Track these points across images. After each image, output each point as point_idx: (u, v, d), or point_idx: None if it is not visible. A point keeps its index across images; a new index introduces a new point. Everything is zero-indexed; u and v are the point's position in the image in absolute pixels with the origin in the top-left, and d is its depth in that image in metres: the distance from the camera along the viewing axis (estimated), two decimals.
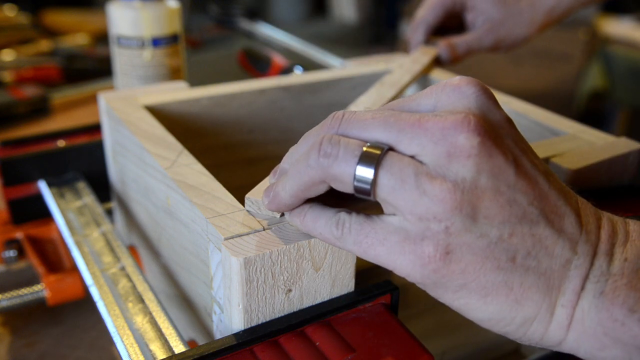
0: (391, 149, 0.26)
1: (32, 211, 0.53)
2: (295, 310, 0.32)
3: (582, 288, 0.25)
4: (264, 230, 0.31)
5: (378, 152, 0.26)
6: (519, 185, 0.25)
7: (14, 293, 0.47)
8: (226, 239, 0.30)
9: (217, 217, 0.32)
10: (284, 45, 1.08)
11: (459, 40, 0.62)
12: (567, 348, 0.26)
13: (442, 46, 0.62)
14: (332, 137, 0.27)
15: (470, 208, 0.24)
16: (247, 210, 0.32)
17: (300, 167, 0.28)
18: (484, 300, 0.25)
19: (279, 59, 0.82)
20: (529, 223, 0.25)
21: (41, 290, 0.47)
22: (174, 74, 0.64)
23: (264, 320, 0.31)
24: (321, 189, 0.28)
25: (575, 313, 0.25)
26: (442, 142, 0.25)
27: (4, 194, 0.52)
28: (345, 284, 0.33)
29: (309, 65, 0.81)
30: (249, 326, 0.31)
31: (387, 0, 3.16)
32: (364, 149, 0.26)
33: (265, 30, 1.19)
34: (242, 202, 0.33)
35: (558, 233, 0.25)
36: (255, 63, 0.85)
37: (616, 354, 0.25)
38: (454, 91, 0.27)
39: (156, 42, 0.61)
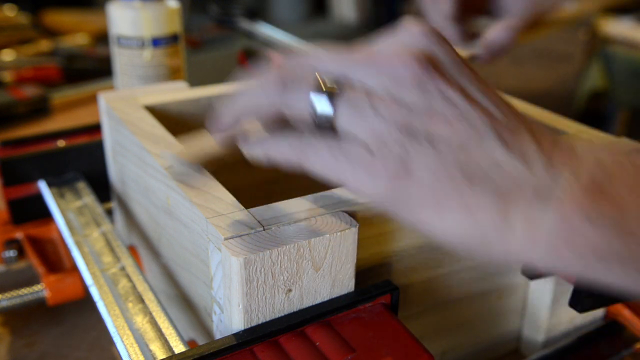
0: (348, 82, 0.29)
1: (32, 211, 0.53)
2: (295, 310, 0.32)
3: (539, 201, 0.26)
4: (264, 230, 0.31)
5: (334, 85, 0.28)
6: (469, 109, 0.27)
7: (14, 293, 0.47)
8: (226, 239, 0.30)
9: (217, 217, 0.32)
10: (284, 45, 1.08)
11: (498, 33, 0.53)
12: (535, 261, 0.27)
13: (480, 49, 0.54)
14: (293, 70, 0.29)
15: (424, 129, 0.27)
16: (166, 168, 0.33)
17: (255, 91, 0.30)
18: (440, 216, 0.27)
19: (279, 59, 0.82)
20: (481, 142, 0.27)
21: (41, 290, 0.47)
22: (174, 74, 0.64)
23: (264, 320, 0.31)
24: (269, 115, 0.30)
25: (533, 225, 0.26)
26: (392, 72, 0.28)
27: (4, 194, 0.52)
28: (345, 284, 0.33)
29: None
30: (249, 326, 0.31)
31: (387, 0, 3.16)
32: (319, 83, 0.28)
33: (265, 30, 1.19)
34: (242, 202, 0.34)
35: (511, 150, 0.27)
36: (255, 63, 0.85)
37: (575, 264, 0.26)
38: (404, 32, 0.29)
39: (156, 42, 0.61)
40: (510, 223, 0.26)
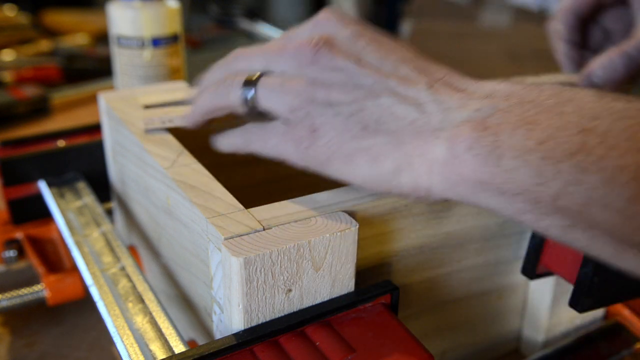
0: (268, 71, 0.35)
1: (32, 211, 0.53)
2: (295, 310, 0.32)
3: (433, 137, 0.29)
4: (264, 230, 0.31)
5: (255, 76, 0.34)
6: (360, 73, 0.31)
7: (14, 293, 0.47)
8: (226, 239, 0.30)
9: (217, 217, 0.32)
10: None
11: (612, 57, 0.44)
12: (436, 194, 0.30)
13: (580, 77, 0.46)
14: (228, 75, 0.36)
15: (325, 97, 0.32)
16: (146, 130, 0.37)
17: (207, 95, 0.37)
18: (351, 166, 0.31)
19: None
20: (374, 98, 0.31)
21: (41, 290, 0.47)
22: (174, 74, 0.64)
23: (264, 320, 0.31)
24: (224, 112, 0.37)
25: (428, 160, 0.29)
26: (297, 57, 0.33)
27: (4, 194, 0.52)
28: (345, 284, 0.33)
29: None
30: (249, 326, 0.31)
31: (387, 0, 3.16)
32: (246, 78, 0.35)
33: (265, 30, 1.19)
34: (242, 202, 0.34)
35: (404, 99, 0.30)
36: None
37: (464, 191, 0.28)
38: (314, 21, 0.35)
39: (156, 42, 0.61)
40: (409, 161, 0.30)
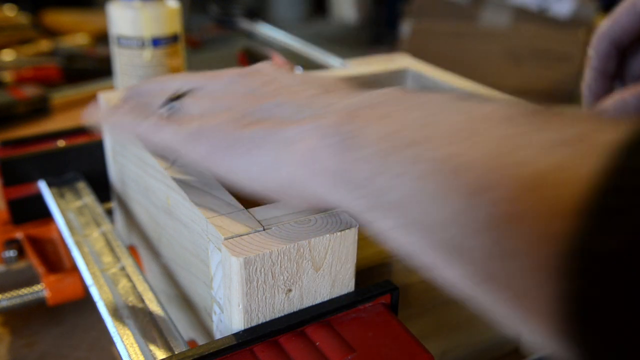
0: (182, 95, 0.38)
1: (32, 211, 0.53)
2: (295, 310, 0.32)
3: (304, 131, 0.29)
4: (264, 230, 0.31)
5: (180, 93, 0.38)
6: (264, 87, 0.35)
7: (14, 293, 0.47)
8: (226, 239, 0.30)
9: (217, 217, 0.32)
10: (284, 45, 1.08)
11: (625, 98, 0.40)
12: (309, 189, 0.29)
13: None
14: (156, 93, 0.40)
15: (229, 102, 0.35)
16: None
17: (129, 115, 0.39)
18: (227, 158, 0.32)
19: (279, 59, 0.82)
20: (266, 101, 0.33)
21: (41, 290, 0.47)
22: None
23: (264, 320, 0.31)
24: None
25: (297, 151, 0.29)
26: (223, 79, 0.38)
27: (4, 194, 0.52)
28: (345, 284, 0.33)
29: (309, 65, 0.81)
30: (249, 326, 0.31)
31: (387, 0, 3.16)
32: (171, 95, 0.38)
33: (265, 30, 1.19)
34: (242, 202, 0.34)
35: (290, 102, 0.32)
36: (255, 63, 0.85)
37: (319, 181, 0.28)
38: (249, 67, 0.39)
39: (156, 42, 0.61)
40: (278, 155, 0.30)
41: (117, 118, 0.39)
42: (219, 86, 0.37)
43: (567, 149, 0.20)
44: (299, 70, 0.76)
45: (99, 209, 0.47)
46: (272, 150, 0.30)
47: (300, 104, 0.32)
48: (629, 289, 0.17)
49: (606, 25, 0.43)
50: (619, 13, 0.41)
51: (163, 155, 0.38)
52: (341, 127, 0.28)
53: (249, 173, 0.31)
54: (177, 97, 0.38)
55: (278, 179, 0.30)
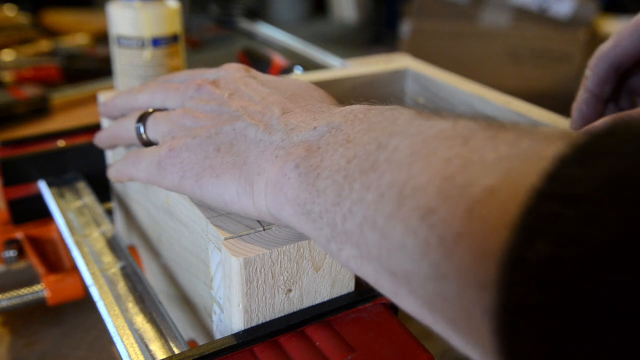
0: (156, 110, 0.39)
1: (32, 211, 0.53)
2: (295, 310, 0.32)
3: (275, 158, 0.30)
4: (264, 230, 0.31)
5: (148, 112, 0.39)
6: (229, 102, 0.34)
7: (14, 293, 0.47)
8: (226, 239, 0.30)
9: (217, 217, 0.32)
10: (284, 45, 1.08)
11: (607, 122, 0.38)
12: (273, 215, 0.30)
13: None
14: (122, 110, 0.42)
15: (191, 121, 0.35)
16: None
17: (113, 127, 0.42)
18: (198, 184, 0.32)
19: (279, 59, 0.82)
20: (232, 122, 0.33)
21: (41, 290, 0.47)
22: None
23: (264, 320, 0.31)
24: (126, 142, 0.41)
25: (267, 179, 0.29)
26: (184, 94, 0.37)
27: (4, 194, 0.52)
28: (345, 284, 0.33)
29: (309, 65, 0.81)
30: (249, 326, 0.31)
31: (387, 0, 3.16)
32: (140, 114, 0.39)
33: (265, 30, 1.19)
34: None
35: (256, 123, 0.32)
36: (255, 63, 0.85)
37: (288, 212, 0.28)
38: (219, 67, 0.40)
39: (156, 42, 0.61)
40: (250, 181, 0.30)
41: (112, 170, 0.41)
42: (178, 101, 0.38)
43: (516, 162, 0.19)
44: (298, 71, 0.76)
45: (99, 209, 0.47)
46: (239, 180, 0.31)
47: (264, 127, 0.32)
48: (554, 294, 0.16)
49: (607, 47, 0.40)
50: (621, 35, 0.39)
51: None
52: (303, 160, 0.28)
53: (223, 198, 0.32)
54: (141, 118, 0.39)
55: (251, 206, 0.31)
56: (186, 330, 0.41)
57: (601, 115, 0.42)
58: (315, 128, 0.29)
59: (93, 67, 1.03)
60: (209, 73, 0.39)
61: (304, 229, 0.28)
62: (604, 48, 0.41)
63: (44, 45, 1.11)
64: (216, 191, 0.32)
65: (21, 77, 0.96)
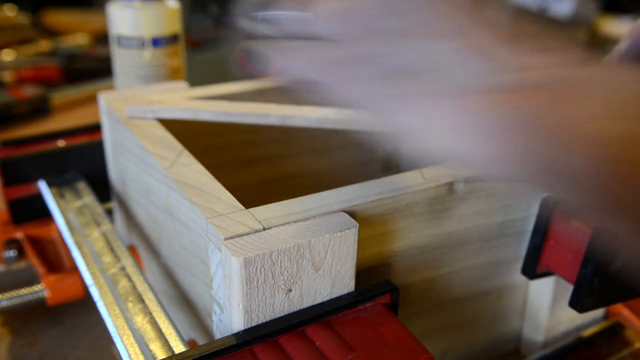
0: None
1: (32, 211, 0.53)
2: (295, 310, 0.32)
3: (453, 101, 0.28)
4: (264, 230, 0.31)
5: None
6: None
7: (14, 293, 0.47)
8: (226, 239, 0.30)
9: (217, 217, 0.32)
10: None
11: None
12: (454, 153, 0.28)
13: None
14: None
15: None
16: (130, 117, 0.36)
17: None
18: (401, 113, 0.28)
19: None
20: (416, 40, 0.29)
21: (41, 290, 0.47)
22: (174, 74, 0.64)
23: (264, 320, 0.31)
24: None
25: (445, 123, 0.27)
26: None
27: (4, 194, 0.52)
28: (345, 284, 0.33)
29: None
30: (249, 326, 0.31)
31: None
32: None
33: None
34: (242, 202, 0.34)
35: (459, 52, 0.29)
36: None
37: (480, 142, 0.27)
38: None
39: (156, 42, 0.61)
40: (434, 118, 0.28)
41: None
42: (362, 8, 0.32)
43: None
44: None
45: (99, 209, 0.47)
46: (422, 115, 0.28)
47: (467, 57, 0.29)
48: None
49: (623, 47, 0.37)
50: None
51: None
52: (497, 108, 0.27)
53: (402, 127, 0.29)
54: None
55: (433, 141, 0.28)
56: (186, 330, 0.41)
57: None
58: (504, 81, 0.28)
59: (93, 67, 1.03)
60: None
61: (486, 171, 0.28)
62: (620, 49, 0.38)
63: (44, 45, 1.11)
64: (403, 121, 0.29)
65: (21, 77, 0.96)
